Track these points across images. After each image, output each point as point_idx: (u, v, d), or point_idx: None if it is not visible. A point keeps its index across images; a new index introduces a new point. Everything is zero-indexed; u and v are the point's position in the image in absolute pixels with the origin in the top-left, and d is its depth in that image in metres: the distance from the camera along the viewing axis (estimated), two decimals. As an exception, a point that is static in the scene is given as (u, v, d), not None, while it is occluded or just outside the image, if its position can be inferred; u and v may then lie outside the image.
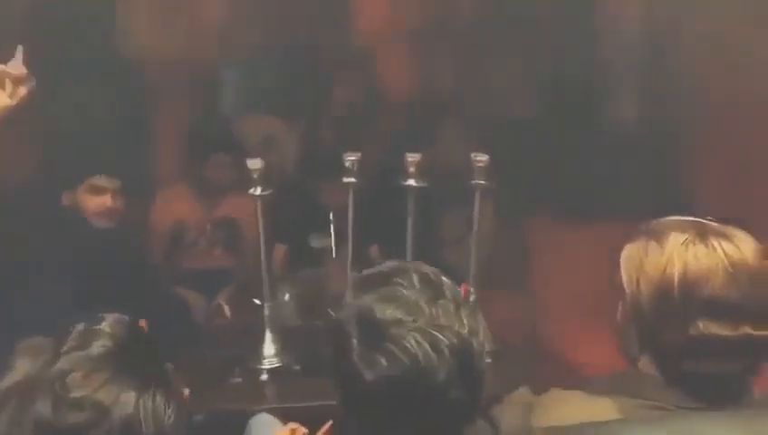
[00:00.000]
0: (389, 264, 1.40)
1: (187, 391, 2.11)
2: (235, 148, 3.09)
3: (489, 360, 2.51)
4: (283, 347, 2.61)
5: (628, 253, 1.49)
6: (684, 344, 1.38)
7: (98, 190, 2.66)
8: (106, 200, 2.65)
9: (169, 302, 2.85)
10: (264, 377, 2.56)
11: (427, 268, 1.39)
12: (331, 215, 2.90)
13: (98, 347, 1.38)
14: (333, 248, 2.75)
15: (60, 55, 2.86)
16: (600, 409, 1.43)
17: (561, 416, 1.45)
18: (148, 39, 2.98)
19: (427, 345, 1.28)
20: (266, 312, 2.60)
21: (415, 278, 1.35)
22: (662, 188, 3.15)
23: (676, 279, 1.39)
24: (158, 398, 1.38)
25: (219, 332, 2.97)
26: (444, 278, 1.39)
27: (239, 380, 2.55)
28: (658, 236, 1.45)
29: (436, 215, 3.08)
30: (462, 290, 2.60)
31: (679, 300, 1.39)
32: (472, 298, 2.70)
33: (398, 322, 1.30)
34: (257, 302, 2.61)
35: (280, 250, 3.14)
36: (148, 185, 3.11)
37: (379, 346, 1.29)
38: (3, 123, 2.16)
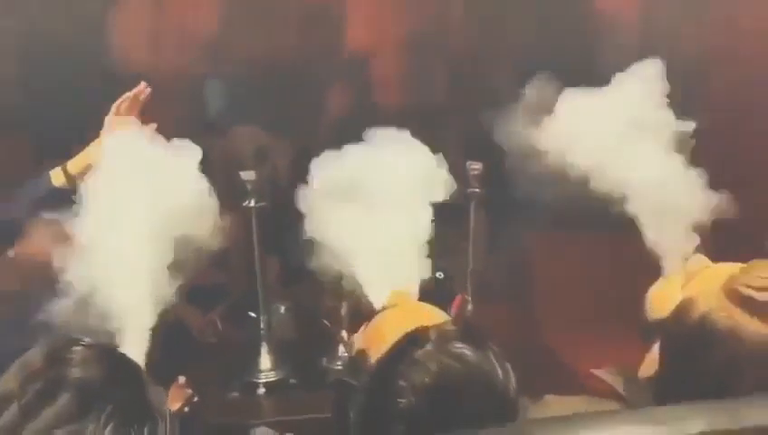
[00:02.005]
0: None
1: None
2: None
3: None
4: (280, 360, 2.60)
5: None
6: None
7: None
8: None
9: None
10: (262, 391, 2.56)
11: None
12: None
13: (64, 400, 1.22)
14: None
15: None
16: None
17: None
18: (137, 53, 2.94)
19: None
20: (262, 325, 2.59)
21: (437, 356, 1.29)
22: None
23: None
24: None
25: (216, 347, 2.93)
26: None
27: (236, 394, 2.55)
28: None
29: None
30: (456, 302, 2.63)
31: None
32: (469, 307, 2.67)
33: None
34: (252, 315, 2.60)
35: (273, 264, 3.11)
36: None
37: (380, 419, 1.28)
38: None
